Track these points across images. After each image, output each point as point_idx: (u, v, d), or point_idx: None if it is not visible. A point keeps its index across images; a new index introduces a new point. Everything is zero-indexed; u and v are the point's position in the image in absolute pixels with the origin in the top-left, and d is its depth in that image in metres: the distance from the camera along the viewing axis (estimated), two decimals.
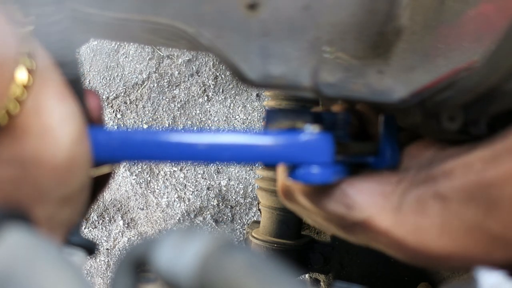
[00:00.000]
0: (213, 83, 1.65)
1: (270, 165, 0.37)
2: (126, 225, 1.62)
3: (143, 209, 1.62)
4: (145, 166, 1.63)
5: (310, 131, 0.32)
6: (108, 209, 1.64)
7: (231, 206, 1.56)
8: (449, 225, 0.29)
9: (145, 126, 1.65)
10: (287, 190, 0.39)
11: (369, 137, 0.39)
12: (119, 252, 1.61)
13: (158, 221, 1.60)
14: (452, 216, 0.29)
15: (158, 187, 1.61)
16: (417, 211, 0.30)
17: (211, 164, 0.32)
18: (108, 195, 1.65)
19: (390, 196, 0.32)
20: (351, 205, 0.33)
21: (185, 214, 1.58)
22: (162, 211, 1.60)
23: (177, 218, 1.58)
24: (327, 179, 0.32)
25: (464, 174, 0.28)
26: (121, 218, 1.63)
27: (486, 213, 0.27)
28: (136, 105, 1.69)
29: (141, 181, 1.62)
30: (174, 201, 1.59)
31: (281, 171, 0.39)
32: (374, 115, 0.38)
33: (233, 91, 1.63)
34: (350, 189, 0.34)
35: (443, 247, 0.29)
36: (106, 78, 1.74)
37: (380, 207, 0.32)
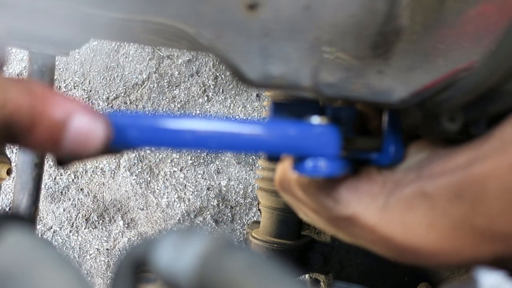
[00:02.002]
0: (213, 83, 1.65)
1: (276, 156, 0.37)
2: (126, 225, 1.62)
3: (143, 209, 1.62)
4: (145, 166, 1.63)
5: (318, 123, 0.31)
6: (108, 209, 1.64)
7: (231, 206, 1.56)
8: (436, 223, 0.29)
9: None
10: (284, 181, 0.39)
11: (368, 133, 0.39)
12: (119, 252, 1.61)
13: (158, 221, 1.60)
14: (439, 214, 0.29)
15: (158, 187, 1.61)
16: (404, 209, 0.31)
17: (216, 152, 0.31)
18: (108, 195, 1.65)
19: (376, 196, 0.33)
20: (338, 199, 0.34)
21: (185, 214, 1.58)
22: (162, 211, 1.60)
23: (177, 218, 1.58)
24: (333, 173, 0.32)
25: (450, 173, 0.29)
26: (121, 218, 1.63)
27: (472, 209, 0.27)
28: (136, 105, 1.69)
29: (141, 181, 1.62)
30: (174, 201, 1.59)
31: (281, 163, 0.39)
32: (373, 111, 0.38)
33: (233, 91, 1.63)
34: (338, 184, 0.34)
35: (431, 244, 0.30)
36: (106, 78, 1.74)
37: (365, 205, 0.33)
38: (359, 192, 0.33)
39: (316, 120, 0.31)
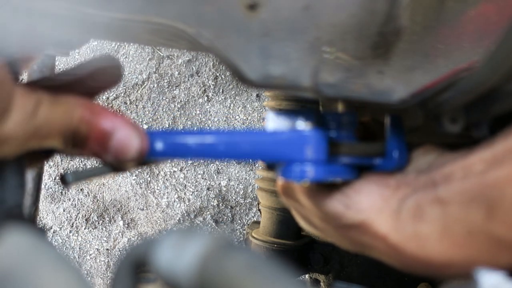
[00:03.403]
0: (213, 83, 1.65)
1: (275, 164, 0.37)
2: (126, 226, 1.62)
3: (143, 209, 1.61)
4: (145, 167, 1.63)
5: (302, 128, 0.31)
6: (108, 210, 1.64)
7: (231, 206, 1.56)
8: (450, 230, 0.28)
9: (145, 127, 1.65)
10: (286, 187, 0.38)
11: (372, 139, 0.38)
12: (119, 252, 1.61)
13: (158, 221, 1.60)
14: (453, 220, 0.28)
15: (158, 188, 1.61)
16: (416, 216, 0.30)
17: (204, 160, 0.34)
18: (108, 195, 1.65)
19: (388, 199, 0.32)
20: (349, 205, 0.33)
21: (185, 214, 1.58)
22: (162, 211, 1.60)
23: (177, 218, 1.58)
24: (322, 177, 0.31)
25: (464, 177, 0.28)
26: (121, 218, 1.62)
27: (488, 215, 0.26)
28: (136, 105, 1.69)
29: (141, 182, 1.62)
30: (174, 201, 1.59)
31: None
32: (380, 128, 0.37)
33: (233, 92, 1.63)
34: (349, 189, 0.33)
35: (444, 253, 0.29)
36: None
37: (378, 210, 0.32)
38: (372, 196, 0.32)
39: (301, 125, 0.31)
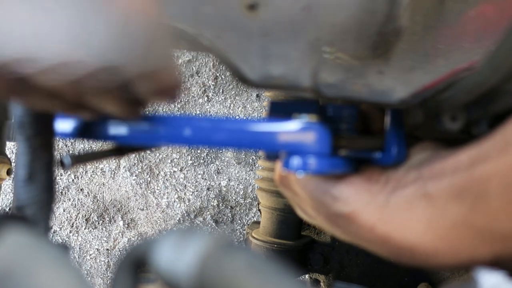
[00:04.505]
0: (213, 83, 1.65)
1: (275, 155, 0.37)
2: (126, 226, 1.62)
3: (143, 209, 1.61)
4: (145, 167, 1.63)
5: (307, 120, 0.31)
6: (108, 210, 1.64)
7: (231, 206, 1.56)
8: (435, 222, 0.29)
9: None
10: (283, 177, 0.40)
11: (372, 133, 0.39)
12: (119, 252, 1.61)
13: (158, 221, 1.60)
14: (438, 214, 0.29)
15: (158, 188, 1.61)
16: (403, 208, 0.31)
17: (206, 148, 0.34)
18: (108, 195, 1.65)
19: (376, 194, 0.33)
20: (337, 196, 0.34)
21: (185, 214, 1.58)
22: (162, 211, 1.60)
23: (177, 218, 1.58)
24: (323, 170, 0.32)
25: (452, 174, 0.29)
26: (121, 218, 1.62)
27: (472, 208, 0.27)
28: None
29: (141, 182, 1.62)
30: (174, 201, 1.59)
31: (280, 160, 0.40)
32: (377, 113, 0.38)
33: (233, 92, 1.63)
34: (340, 182, 0.35)
35: (429, 243, 0.30)
36: None
37: (365, 204, 0.33)
38: (360, 190, 0.33)
39: (305, 118, 0.31)
